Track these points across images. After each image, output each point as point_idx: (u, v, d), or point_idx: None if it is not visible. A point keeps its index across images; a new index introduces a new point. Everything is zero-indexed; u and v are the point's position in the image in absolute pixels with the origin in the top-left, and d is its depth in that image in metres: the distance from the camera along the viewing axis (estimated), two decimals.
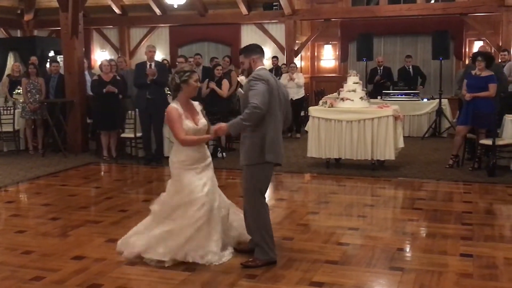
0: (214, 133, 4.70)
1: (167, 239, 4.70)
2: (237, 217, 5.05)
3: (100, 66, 10.17)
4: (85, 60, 11.47)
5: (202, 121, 4.82)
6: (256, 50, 4.74)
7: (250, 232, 4.80)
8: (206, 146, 5.01)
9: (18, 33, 16.98)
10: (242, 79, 4.57)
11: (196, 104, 4.93)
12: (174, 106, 4.71)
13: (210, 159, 4.93)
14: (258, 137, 4.53)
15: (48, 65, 12.39)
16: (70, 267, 4.71)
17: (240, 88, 4.57)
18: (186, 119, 4.71)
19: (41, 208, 6.76)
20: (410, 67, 13.27)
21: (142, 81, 9.21)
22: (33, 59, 11.50)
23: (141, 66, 9.47)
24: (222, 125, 4.59)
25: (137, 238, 4.90)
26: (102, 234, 5.62)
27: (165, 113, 4.76)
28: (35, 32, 16.92)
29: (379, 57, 13.86)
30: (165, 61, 12.83)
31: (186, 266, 4.65)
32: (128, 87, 10.26)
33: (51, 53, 14.94)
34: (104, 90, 9.68)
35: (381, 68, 13.53)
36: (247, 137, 4.59)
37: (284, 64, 13.59)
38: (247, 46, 4.86)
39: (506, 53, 11.16)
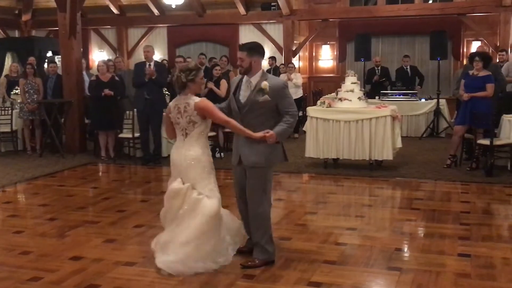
0: (262, 137, 4.49)
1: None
2: None
3: (98, 67, 10.14)
4: (83, 61, 11.46)
5: None
6: (259, 51, 4.68)
7: (251, 232, 4.80)
8: None
9: (16, 34, 16.95)
10: (266, 84, 4.50)
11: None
12: (201, 98, 4.66)
13: None
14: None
15: (46, 65, 12.38)
16: (68, 267, 4.71)
17: (266, 95, 4.46)
18: None
19: (38, 209, 6.75)
20: (408, 67, 13.28)
21: (141, 80, 9.22)
22: (31, 59, 11.49)
23: (140, 66, 9.47)
24: (272, 132, 4.47)
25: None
26: (99, 235, 5.62)
27: (199, 108, 4.55)
28: (33, 32, 16.90)
29: (376, 57, 13.87)
30: (164, 61, 12.80)
31: None
32: (126, 87, 10.26)
33: (49, 54, 14.93)
34: (103, 94, 9.66)
35: (379, 68, 13.55)
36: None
37: (282, 64, 13.58)
38: (251, 44, 4.72)
39: (504, 53, 11.18)
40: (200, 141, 4.67)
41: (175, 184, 4.70)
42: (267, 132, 4.48)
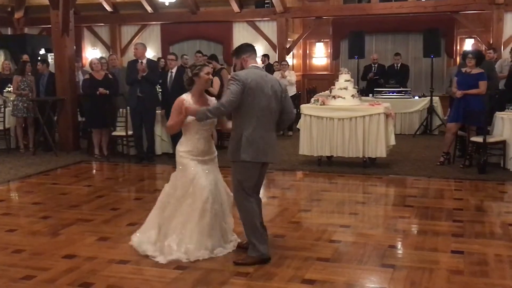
0: (185, 110, 4.73)
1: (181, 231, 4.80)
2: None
3: (90, 65, 10.08)
4: (79, 64, 11.37)
5: None
6: (246, 49, 4.77)
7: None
8: (213, 141, 5.05)
9: (9, 31, 16.86)
10: None
11: (212, 99, 4.99)
12: (182, 97, 4.84)
13: (215, 154, 5.02)
14: (237, 136, 4.61)
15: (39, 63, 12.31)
16: (61, 265, 4.69)
17: None
18: None
19: (32, 207, 6.72)
20: (399, 65, 13.32)
21: (134, 77, 9.19)
22: (26, 57, 11.42)
23: (133, 63, 9.42)
24: (194, 107, 4.70)
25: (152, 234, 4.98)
26: (93, 233, 5.60)
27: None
28: (26, 30, 16.84)
29: (374, 54, 13.90)
30: (162, 60, 12.56)
31: (177, 264, 4.65)
32: (120, 85, 10.21)
33: (42, 51, 14.86)
34: (98, 93, 9.62)
35: (376, 65, 13.57)
36: (231, 135, 4.71)
37: (276, 62, 13.58)
38: (237, 47, 4.87)
39: (491, 51, 11.17)
40: (185, 137, 4.89)
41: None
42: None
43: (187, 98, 4.82)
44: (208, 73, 4.84)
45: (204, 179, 4.80)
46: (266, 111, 4.59)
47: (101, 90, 9.62)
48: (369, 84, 13.35)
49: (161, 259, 4.72)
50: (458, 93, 8.50)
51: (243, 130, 4.57)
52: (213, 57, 10.90)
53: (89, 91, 9.74)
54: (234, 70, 4.98)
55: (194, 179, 4.79)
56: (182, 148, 4.87)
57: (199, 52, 11.61)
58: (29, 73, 10.60)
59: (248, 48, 4.77)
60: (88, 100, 9.95)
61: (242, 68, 4.74)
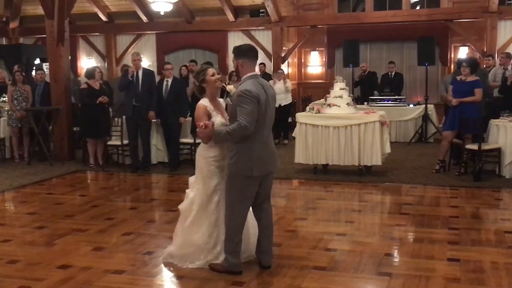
0: (200, 127, 4.45)
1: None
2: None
3: (93, 73, 9.97)
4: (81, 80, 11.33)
5: (227, 116, 4.74)
6: (246, 54, 4.55)
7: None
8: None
9: (4, 41, 16.86)
10: (231, 88, 4.55)
11: (221, 101, 4.91)
12: (202, 103, 4.69)
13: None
14: (246, 152, 4.41)
15: (34, 72, 12.28)
16: (56, 276, 4.66)
17: (228, 98, 4.53)
18: (216, 114, 4.68)
19: (26, 217, 6.69)
20: (393, 73, 13.38)
21: (126, 81, 9.19)
22: (16, 67, 11.38)
23: (127, 72, 9.44)
24: (211, 127, 4.42)
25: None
26: (88, 243, 5.57)
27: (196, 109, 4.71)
28: (21, 40, 16.81)
29: (362, 63, 13.97)
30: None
31: (174, 273, 4.64)
32: (116, 94, 10.19)
33: (37, 61, 14.85)
34: (98, 101, 9.60)
35: (365, 73, 13.70)
36: (234, 149, 4.46)
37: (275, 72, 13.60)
38: (239, 46, 4.66)
39: (490, 58, 11.27)
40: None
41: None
42: (207, 125, 4.41)
43: (207, 104, 4.66)
44: (213, 74, 4.71)
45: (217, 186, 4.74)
46: (268, 122, 4.53)
47: (101, 99, 9.61)
48: (363, 90, 13.44)
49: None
50: (454, 101, 8.54)
51: (254, 145, 4.40)
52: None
53: (89, 100, 9.71)
54: (236, 72, 4.77)
55: (209, 189, 4.72)
56: (211, 153, 4.67)
57: (192, 61, 11.58)
58: (21, 83, 10.54)
59: (249, 54, 4.55)
60: (84, 110, 9.91)
61: (237, 70, 4.57)
